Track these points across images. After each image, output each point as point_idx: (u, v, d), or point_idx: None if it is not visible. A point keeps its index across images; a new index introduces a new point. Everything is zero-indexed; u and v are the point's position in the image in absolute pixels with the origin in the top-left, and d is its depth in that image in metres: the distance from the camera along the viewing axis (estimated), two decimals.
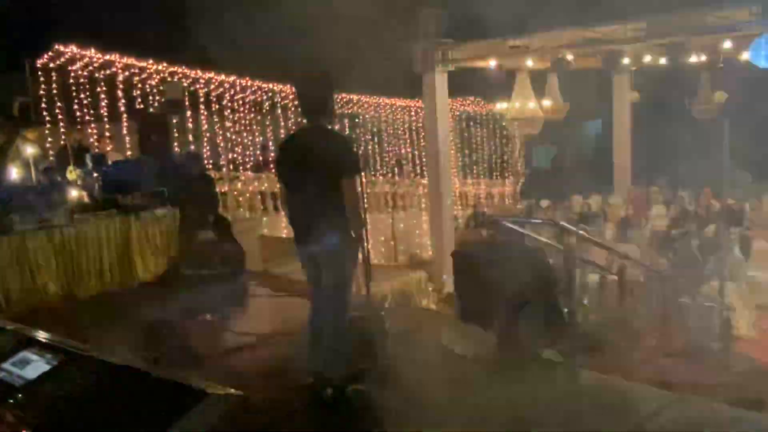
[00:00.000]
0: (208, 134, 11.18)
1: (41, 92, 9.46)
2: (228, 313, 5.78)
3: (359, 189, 3.66)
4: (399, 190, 13.84)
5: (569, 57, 10.14)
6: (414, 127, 15.45)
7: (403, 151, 15.68)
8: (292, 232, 3.84)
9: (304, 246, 3.72)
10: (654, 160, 15.21)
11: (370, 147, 14.20)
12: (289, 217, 3.85)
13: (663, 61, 10.75)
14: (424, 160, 14.05)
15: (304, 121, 3.79)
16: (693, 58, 10.04)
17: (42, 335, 1.51)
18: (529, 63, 10.79)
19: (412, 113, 15.61)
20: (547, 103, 11.18)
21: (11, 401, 1.22)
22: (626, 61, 11.52)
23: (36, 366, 1.38)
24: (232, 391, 1.11)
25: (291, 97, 12.05)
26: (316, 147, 3.60)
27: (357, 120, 13.52)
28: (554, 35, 9.29)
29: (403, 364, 3.90)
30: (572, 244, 4.62)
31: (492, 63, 10.47)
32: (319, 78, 3.78)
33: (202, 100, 10.94)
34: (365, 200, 5.92)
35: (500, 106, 12.84)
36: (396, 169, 15.16)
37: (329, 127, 3.75)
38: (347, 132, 12.35)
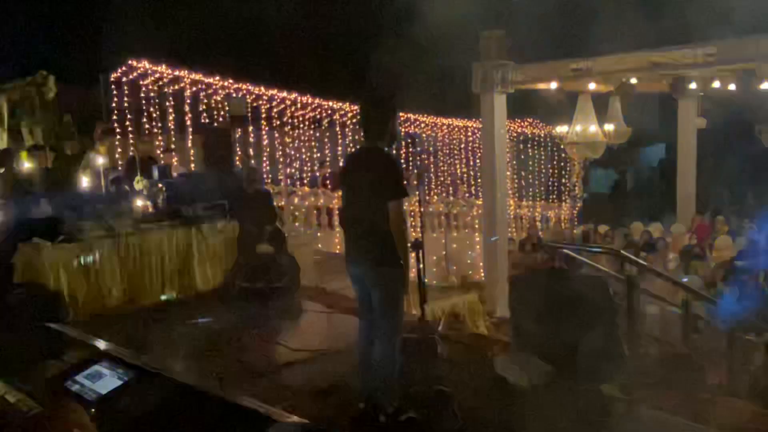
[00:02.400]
0: (268, 149, 11.43)
1: (113, 105, 9.89)
2: (282, 327, 5.85)
3: (404, 212, 3.67)
4: (453, 210, 13.74)
5: (634, 80, 9.91)
6: (470, 148, 15.37)
7: (458, 171, 15.62)
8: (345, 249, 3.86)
9: (352, 265, 3.74)
10: (720, 189, 14.62)
11: (425, 167, 14.20)
12: (344, 235, 3.89)
13: (732, 86, 10.37)
14: (479, 180, 13.93)
15: (363, 140, 3.84)
16: (765, 85, 9.64)
17: (115, 349, 1.56)
18: (592, 86, 10.60)
19: (469, 133, 15.55)
20: (609, 126, 10.93)
21: (85, 416, 1.25)
22: (693, 86, 11.17)
23: (108, 381, 1.42)
24: (296, 418, 1.11)
25: (349, 115, 12.21)
26: (367, 168, 3.64)
27: (416, 139, 13.55)
28: (619, 58, 9.10)
29: (456, 390, 3.84)
30: (633, 274, 4.48)
31: (553, 85, 10.34)
32: (382, 101, 3.82)
33: (263, 115, 11.21)
34: (422, 220, 5.91)
35: (560, 129, 12.63)
36: (451, 189, 15.10)
37: (384, 149, 3.75)
38: (403, 151, 12.39)
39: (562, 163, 17.01)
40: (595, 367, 4.12)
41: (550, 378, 3.99)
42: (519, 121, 15.36)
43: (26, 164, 8.09)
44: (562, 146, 14.87)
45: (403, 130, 13.22)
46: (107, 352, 1.52)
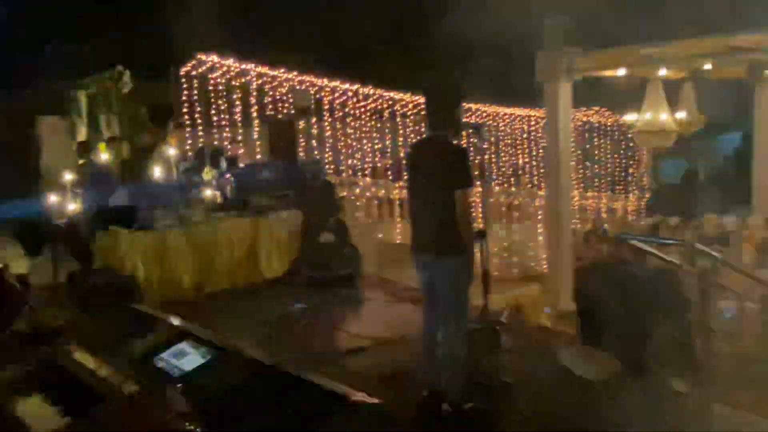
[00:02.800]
0: (330, 140, 11.58)
1: (183, 98, 10.26)
2: (345, 315, 5.95)
3: (470, 201, 3.65)
4: (515, 200, 13.55)
5: (708, 66, 9.47)
6: (533, 137, 15.09)
7: (520, 161, 15.36)
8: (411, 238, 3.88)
9: (418, 253, 3.75)
10: None
11: (487, 156, 14.04)
12: (410, 224, 3.91)
13: None
14: (542, 170, 13.67)
15: (426, 129, 3.85)
16: None
17: (197, 330, 1.64)
18: (662, 72, 10.19)
19: (532, 122, 15.26)
20: (681, 114, 10.46)
21: (170, 390, 1.33)
22: None
23: (192, 359, 1.49)
24: (375, 400, 1.15)
25: (410, 105, 12.21)
26: (433, 157, 3.64)
27: (480, 129, 13.39)
28: (693, 43, 8.71)
29: (521, 382, 3.82)
30: (706, 268, 4.31)
31: (621, 72, 10.00)
32: (446, 90, 3.81)
33: (326, 107, 11.36)
34: (484, 210, 5.86)
35: (628, 117, 12.19)
36: (512, 179, 14.88)
37: (450, 138, 3.73)
38: (464, 142, 12.29)
39: (630, 153, 16.45)
40: (665, 362, 4.01)
41: (618, 372, 3.91)
42: (584, 109, 14.94)
43: (104, 155, 8.51)
44: (629, 135, 14.40)
45: (466, 119, 13.10)
46: (190, 332, 1.61)
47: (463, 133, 4.09)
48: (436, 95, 3.75)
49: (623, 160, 16.41)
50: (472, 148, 4.32)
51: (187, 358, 1.50)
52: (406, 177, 3.95)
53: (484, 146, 3.97)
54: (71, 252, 7.19)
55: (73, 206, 7.38)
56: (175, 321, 1.76)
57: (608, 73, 10.26)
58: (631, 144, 15.59)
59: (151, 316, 1.86)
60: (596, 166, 16.03)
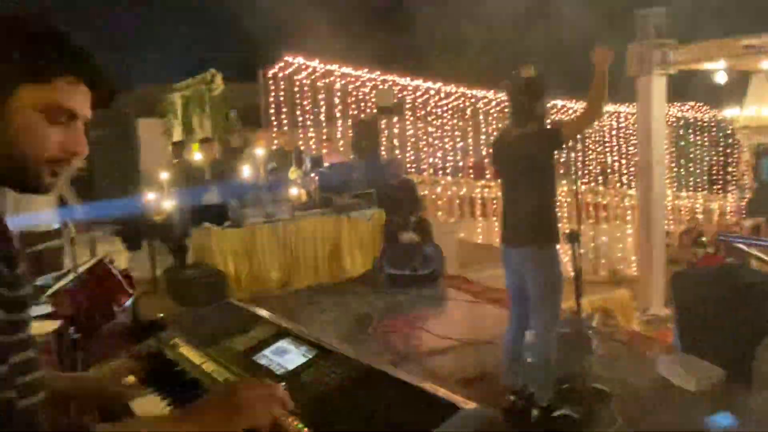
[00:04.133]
0: (412, 139, 11.59)
1: (270, 99, 10.56)
2: (427, 314, 5.92)
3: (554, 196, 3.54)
4: (602, 200, 13.07)
5: None
6: (623, 134, 14.49)
7: (608, 159, 14.79)
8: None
9: (508, 250, 3.66)
10: None
11: (573, 155, 13.59)
12: (501, 220, 3.84)
13: None
14: (631, 169, 13.11)
15: (509, 125, 3.76)
16: None
17: (297, 329, 1.66)
18: (767, 65, 9.53)
19: (621, 119, 14.66)
20: None
21: (279, 388, 1.34)
22: None
23: (294, 357, 1.51)
24: (485, 408, 1.11)
25: (493, 103, 12.02)
26: (518, 152, 3.55)
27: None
28: None
29: (615, 390, 3.66)
30: None
31: (721, 65, 9.42)
32: (527, 83, 3.71)
33: (408, 106, 11.38)
34: (578, 210, 5.67)
35: (729, 112, 11.48)
36: (600, 178, 14.35)
37: (533, 131, 3.61)
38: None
39: (729, 150, 15.48)
40: None
41: (721, 383, 3.67)
42: (679, 104, 14.19)
43: (197, 155, 8.88)
44: (729, 131, 13.56)
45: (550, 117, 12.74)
46: (290, 330, 1.63)
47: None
48: (517, 89, 3.66)
49: (721, 157, 15.47)
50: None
51: (289, 356, 1.51)
52: (495, 170, 3.89)
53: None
54: (168, 248, 7.56)
55: (169, 204, 7.75)
56: (275, 318, 1.79)
57: (707, 66, 9.70)
58: (730, 140, 14.67)
59: (249, 312, 1.91)
60: (691, 164, 15.19)
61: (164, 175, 8.32)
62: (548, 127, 3.54)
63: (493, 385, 4.02)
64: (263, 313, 1.85)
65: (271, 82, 10.57)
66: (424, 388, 1.21)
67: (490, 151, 4.21)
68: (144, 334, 3.67)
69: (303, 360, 1.47)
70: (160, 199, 8.02)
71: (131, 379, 1.59)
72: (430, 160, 11.90)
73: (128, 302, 3.47)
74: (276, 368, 1.48)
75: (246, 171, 8.54)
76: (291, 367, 1.46)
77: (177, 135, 10.19)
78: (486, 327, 5.38)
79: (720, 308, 3.81)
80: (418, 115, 11.64)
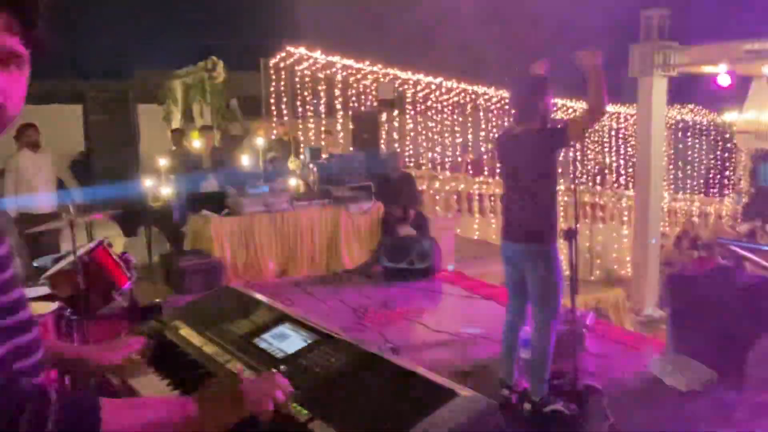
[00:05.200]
0: (412, 133, 11.59)
1: (271, 89, 10.54)
2: (422, 308, 5.94)
3: (555, 193, 3.56)
4: (599, 200, 13.11)
5: None
6: (621, 135, 14.53)
7: (606, 159, 14.83)
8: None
9: (508, 245, 3.67)
10: None
11: (570, 154, 13.62)
12: (502, 216, 3.85)
13: None
14: (629, 170, 13.15)
15: (512, 122, 3.78)
16: None
17: (297, 314, 1.67)
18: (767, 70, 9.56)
19: (621, 120, 14.69)
20: None
21: (274, 370, 1.36)
22: None
23: (293, 341, 1.52)
24: (480, 395, 1.13)
25: (494, 99, 12.03)
26: (519, 149, 3.57)
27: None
28: None
29: (607, 389, 3.69)
30: None
31: (722, 68, 9.44)
32: (529, 80, 3.72)
33: (409, 100, 11.38)
34: (576, 208, 5.69)
35: (728, 116, 11.50)
36: (598, 178, 14.39)
37: (538, 129, 3.62)
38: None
39: (726, 154, 15.54)
40: (762, 378, 3.77)
41: (712, 384, 3.71)
42: (678, 106, 14.23)
43: (196, 142, 8.87)
44: (727, 135, 13.59)
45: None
46: (289, 315, 1.64)
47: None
48: (518, 87, 3.67)
49: (719, 161, 15.52)
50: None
51: (289, 340, 1.53)
52: (498, 167, 3.92)
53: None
54: (164, 234, 7.57)
55: (166, 190, 7.76)
56: (275, 303, 1.80)
57: (708, 69, 9.73)
58: (728, 144, 14.72)
59: (249, 296, 1.92)
60: (689, 167, 15.24)
61: (162, 162, 8.33)
62: (553, 125, 3.55)
63: (486, 378, 4.05)
64: (263, 298, 1.87)
65: (272, 71, 10.56)
66: (423, 374, 1.23)
67: (491, 147, 4.24)
68: (141, 317, 3.69)
69: (303, 344, 1.49)
70: (158, 186, 8.03)
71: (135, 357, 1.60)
72: (429, 154, 11.90)
73: (127, 286, 3.49)
74: (275, 352, 1.50)
75: (245, 160, 8.56)
76: (291, 350, 1.48)
77: (176, 122, 10.17)
78: (480, 322, 5.40)
79: (714, 310, 3.84)
80: (418, 109, 11.63)
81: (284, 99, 10.60)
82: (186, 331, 1.74)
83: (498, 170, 3.94)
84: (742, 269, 4.67)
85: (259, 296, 1.92)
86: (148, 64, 11.16)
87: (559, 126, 3.52)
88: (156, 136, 10.04)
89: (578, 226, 3.64)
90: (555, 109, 3.70)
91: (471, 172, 12.11)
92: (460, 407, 1.12)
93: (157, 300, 3.79)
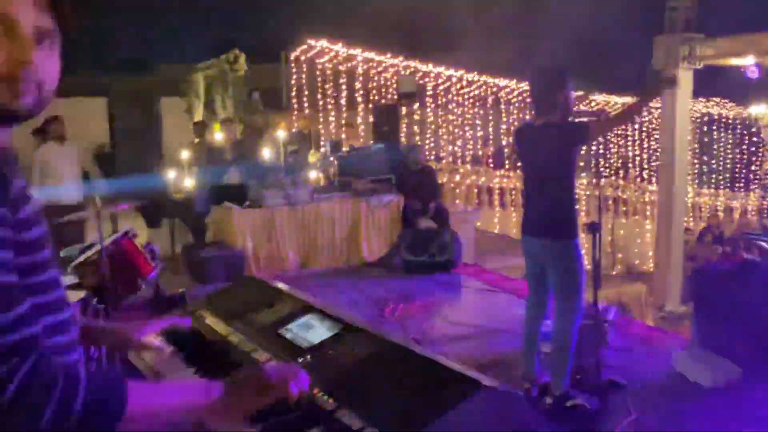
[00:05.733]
0: (432, 126, 11.55)
1: (292, 82, 10.57)
2: (442, 301, 5.94)
3: (574, 188, 3.52)
4: (622, 194, 12.96)
5: None
6: (645, 128, 14.32)
7: (630, 152, 14.64)
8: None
9: (529, 239, 3.65)
10: None
11: (593, 147, 13.49)
12: (523, 209, 3.83)
13: None
14: (653, 164, 12.98)
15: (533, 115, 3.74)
16: None
17: (322, 305, 1.68)
18: None
19: (644, 113, 14.47)
20: None
21: (300, 359, 1.37)
22: None
23: (319, 331, 1.53)
24: (506, 386, 1.13)
25: (515, 93, 11.94)
26: (540, 142, 3.53)
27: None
28: None
29: (629, 384, 3.67)
30: None
31: (749, 60, 9.26)
32: (549, 72, 3.67)
33: (429, 93, 11.33)
34: (599, 201, 5.64)
35: (754, 109, 11.27)
36: (621, 171, 14.22)
37: (555, 124, 3.58)
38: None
39: (753, 148, 15.25)
40: None
41: (737, 380, 3.66)
42: (704, 100, 13.98)
43: (218, 135, 8.93)
44: (754, 129, 13.34)
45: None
46: (313, 305, 1.65)
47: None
48: (537, 79, 3.63)
49: (745, 155, 15.24)
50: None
51: (314, 330, 1.54)
52: (517, 161, 3.88)
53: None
54: (187, 225, 7.65)
55: (189, 182, 7.83)
56: (299, 294, 1.82)
57: (735, 61, 9.56)
58: (754, 138, 14.44)
59: (273, 287, 1.94)
60: (714, 162, 14.99)
61: (185, 154, 8.41)
62: (576, 120, 3.51)
63: (507, 372, 4.04)
64: (287, 288, 1.88)
65: (293, 64, 10.58)
66: (449, 365, 1.24)
67: (512, 140, 4.20)
68: (166, 307, 3.74)
69: (328, 335, 1.50)
70: (181, 178, 8.11)
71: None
72: (450, 148, 11.86)
73: (153, 275, 3.53)
74: (301, 342, 1.51)
75: (266, 152, 8.60)
76: (316, 341, 1.49)
77: (198, 115, 10.25)
78: (500, 315, 5.39)
79: (740, 305, 3.79)
80: (439, 102, 11.59)
81: (305, 92, 10.62)
82: (212, 320, 1.76)
83: (518, 164, 3.90)
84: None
85: (282, 286, 1.93)
86: (171, 58, 11.26)
87: (582, 123, 3.48)
88: (179, 129, 10.13)
89: (601, 219, 3.61)
90: (576, 102, 3.65)
91: (492, 165, 12.05)
92: (486, 399, 1.12)
93: (182, 290, 3.83)
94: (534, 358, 3.74)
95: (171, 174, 8.09)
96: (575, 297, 3.49)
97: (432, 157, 11.25)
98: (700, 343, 3.98)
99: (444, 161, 11.59)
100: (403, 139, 10.43)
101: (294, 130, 9.97)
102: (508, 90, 11.92)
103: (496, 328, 5.01)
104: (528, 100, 11.39)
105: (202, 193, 7.36)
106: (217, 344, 1.61)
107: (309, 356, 1.41)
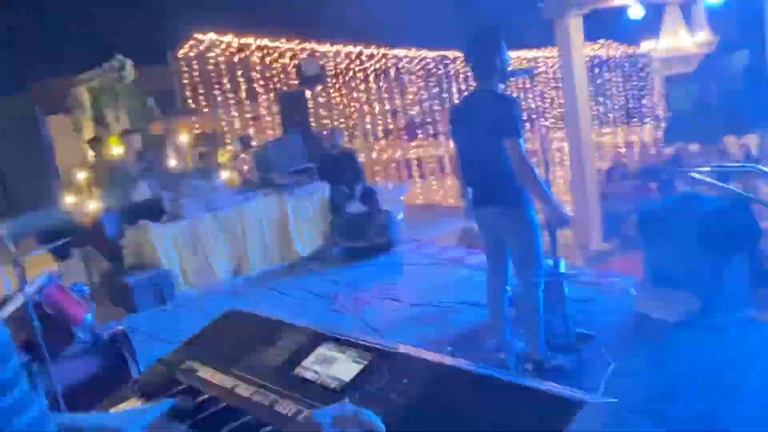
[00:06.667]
0: (339, 107, 11.31)
1: (185, 81, 9.96)
2: (392, 283, 5.82)
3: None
4: (531, 145, 13.32)
5: None
6: (543, 80, 14.73)
7: (531, 104, 15.03)
8: (468, 195, 3.69)
9: (480, 210, 3.58)
10: None
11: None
12: (464, 182, 3.72)
13: None
14: (555, 112, 13.38)
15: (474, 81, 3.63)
16: None
17: (331, 331, 1.47)
18: None
19: (539, 65, 14.88)
20: (698, 37, 10.15)
21: (340, 406, 1.16)
22: None
23: (344, 366, 1.33)
24: (607, 399, 0.99)
25: (415, 61, 11.89)
26: (478, 110, 3.45)
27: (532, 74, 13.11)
28: None
29: (597, 331, 3.70)
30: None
31: (632, 1, 9.65)
32: (484, 37, 3.57)
33: (331, 73, 11.05)
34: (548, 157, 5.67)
35: (645, 45, 11.80)
36: (528, 125, 14.60)
37: (497, 89, 3.49)
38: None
39: (642, 84, 16.08)
40: (742, 294, 3.88)
41: (697, 310, 3.77)
42: (589, 44, 14.52)
43: (117, 149, 8.27)
44: (640, 65, 14.02)
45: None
46: (322, 333, 1.44)
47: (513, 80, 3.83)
48: (472, 46, 3.52)
49: (635, 91, 16.06)
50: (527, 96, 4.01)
51: (337, 365, 1.33)
52: (451, 131, 3.73)
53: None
54: (100, 251, 7.05)
55: (93, 205, 7.22)
56: (297, 322, 1.59)
57: (618, 2, 9.92)
58: (641, 74, 15.22)
59: (263, 318, 1.70)
60: (608, 101, 15.70)
61: (81, 176, 7.74)
62: (510, 110, 3.35)
63: (478, 345, 3.98)
64: (280, 318, 1.65)
65: (182, 63, 9.96)
66: (534, 385, 1.07)
67: (448, 111, 4.08)
68: (109, 350, 3.36)
69: (358, 367, 1.29)
70: (83, 201, 7.46)
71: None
72: (360, 125, 11.68)
73: (88, 320, 3.15)
74: (328, 382, 1.29)
75: (173, 160, 8.08)
76: (346, 377, 1.28)
77: (89, 131, 9.45)
78: (452, 288, 5.34)
79: (685, 238, 3.89)
80: (342, 81, 11.34)
81: (201, 90, 10.04)
82: (207, 372, 1.50)
83: (452, 137, 3.77)
84: (716, 194, 4.76)
85: (272, 315, 1.70)
86: (49, 72, 10.24)
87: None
88: (71, 149, 9.32)
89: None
90: (511, 62, 3.56)
91: (405, 137, 12.00)
92: (588, 418, 0.97)
93: (120, 327, 3.46)
94: (504, 327, 3.69)
95: (70, 198, 7.43)
96: (535, 259, 3.46)
97: (346, 138, 11.02)
98: (655, 280, 4.07)
99: (358, 140, 11.41)
100: (313, 124, 10.14)
101: (196, 131, 9.43)
102: (407, 59, 11.85)
103: (452, 302, 4.95)
104: (432, 69, 11.38)
105: (111, 215, 6.78)
106: (226, 403, 1.37)
107: (347, 399, 1.20)
